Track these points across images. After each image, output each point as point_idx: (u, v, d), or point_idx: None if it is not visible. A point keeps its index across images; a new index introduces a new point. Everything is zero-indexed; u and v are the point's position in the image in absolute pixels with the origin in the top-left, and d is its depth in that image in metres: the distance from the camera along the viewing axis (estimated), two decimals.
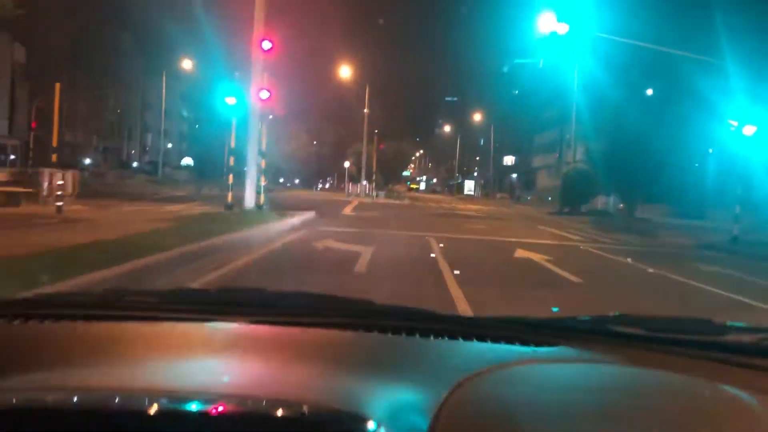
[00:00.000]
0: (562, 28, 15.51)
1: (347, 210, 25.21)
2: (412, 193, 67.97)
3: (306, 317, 1.48)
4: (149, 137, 79.25)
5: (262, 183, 18.61)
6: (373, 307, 1.57)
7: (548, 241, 15.04)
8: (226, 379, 1.09)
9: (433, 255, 10.56)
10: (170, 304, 1.58)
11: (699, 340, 1.38)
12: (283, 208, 19.14)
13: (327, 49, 44.39)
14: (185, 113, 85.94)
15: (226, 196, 16.66)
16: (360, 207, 28.86)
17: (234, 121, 16.98)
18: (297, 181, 59.83)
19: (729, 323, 1.49)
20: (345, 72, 43.06)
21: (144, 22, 59.35)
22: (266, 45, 16.78)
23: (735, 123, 15.93)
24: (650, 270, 10.38)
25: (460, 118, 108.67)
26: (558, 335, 1.40)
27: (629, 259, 11.85)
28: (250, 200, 15.25)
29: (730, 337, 1.40)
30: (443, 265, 9.13)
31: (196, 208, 18.48)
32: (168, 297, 1.68)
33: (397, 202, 39.21)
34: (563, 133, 68.17)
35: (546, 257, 11.08)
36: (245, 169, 15.27)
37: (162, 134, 58.48)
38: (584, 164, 33.51)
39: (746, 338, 1.40)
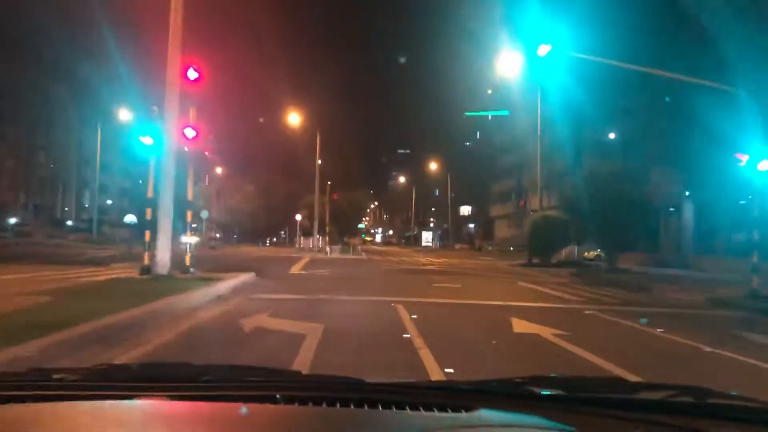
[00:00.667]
0: (544, 49, 13.03)
1: (296, 268, 21.96)
2: (369, 246, 64.85)
3: (229, 391, 1.46)
4: (86, 194, 74.50)
5: (190, 239, 15.35)
6: (298, 378, 1.58)
7: (542, 304, 12.18)
8: None
9: (406, 335, 7.53)
10: (93, 382, 1.54)
11: (612, 399, 1.41)
12: (216, 270, 15.92)
13: (276, 99, 41.78)
14: (126, 167, 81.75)
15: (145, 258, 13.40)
16: (311, 264, 25.62)
17: (152, 165, 13.82)
18: (234, 236, 55.80)
19: (640, 382, 1.74)
20: (294, 119, 40.42)
21: (78, 71, 55.84)
22: (192, 74, 13.78)
23: (744, 157, 13.53)
24: (706, 349, 7.53)
25: (415, 169, 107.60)
26: (477, 399, 1.39)
27: (659, 330, 9.01)
28: (164, 262, 11.90)
29: (642, 395, 1.44)
30: (425, 356, 6.15)
31: (107, 273, 15.04)
32: (91, 375, 1.64)
33: (354, 257, 36.02)
34: (522, 180, 66.80)
35: (555, 330, 8.22)
36: (161, 223, 12.01)
37: (97, 189, 54.11)
38: (554, 211, 31.27)
39: (655, 396, 1.40)
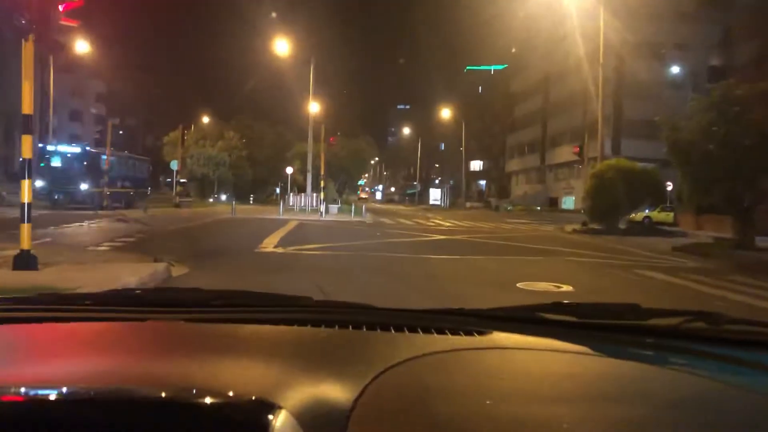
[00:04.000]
0: None
1: (271, 241, 14.23)
2: (369, 204, 56.51)
3: (239, 314, 1.49)
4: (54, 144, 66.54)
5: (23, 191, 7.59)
6: (311, 303, 1.58)
7: None
8: (147, 373, 1.06)
9: None
10: (106, 306, 1.57)
11: (625, 325, 1.42)
12: (125, 247, 8.51)
13: (268, 39, 33.24)
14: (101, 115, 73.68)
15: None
16: (297, 232, 17.95)
17: None
18: (215, 194, 46.90)
19: (654, 308, 1.45)
20: (283, 48, 32.12)
21: None
22: None
23: None
24: None
25: (418, 121, 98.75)
26: (489, 324, 1.40)
27: None
28: None
29: (654, 322, 1.42)
30: None
31: None
32: (104, 299, 1.66)
33: (356, 219, 28.25)
34: (546, 128, 58.75)
35: None
36: None
37: (50, 134, 46.05)
38: (623, 159, 23.69)
39: (669, 322, 1.40)
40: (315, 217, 28.30)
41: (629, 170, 22.06)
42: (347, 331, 1.37)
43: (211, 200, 40.74)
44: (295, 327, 1.39)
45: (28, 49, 7.15)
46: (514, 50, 63.70)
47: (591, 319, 1.44)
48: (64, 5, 7.13)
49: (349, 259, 11.35)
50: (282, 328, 1.38)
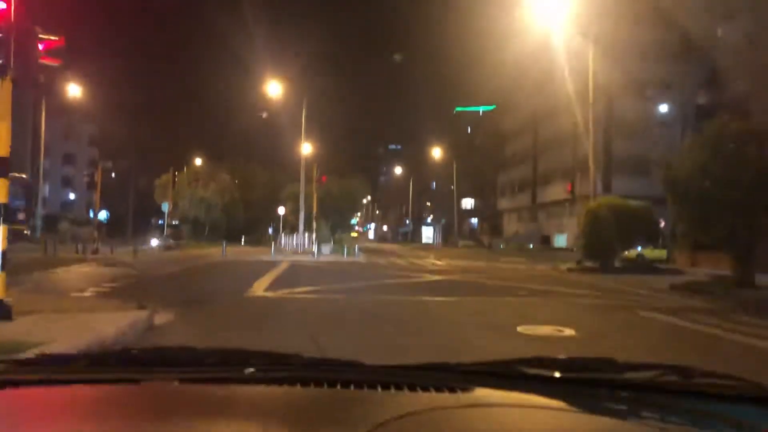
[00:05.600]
0: None
1: (261, 284, 13.83)
2: (362, 243, 56.01)
3: (231, 373, 1.49)
4: (46, 188, 66.06)
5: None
6: (300, 361, 1.59)
7: None
8: None
9: None
10: (103, 366, 1.58)
11: (602, 379, 1.45)
12: (106, 294, 8.23)
13: (259, 81, 33.51)
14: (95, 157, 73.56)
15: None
16: (288, 274, 17.54)
17: None
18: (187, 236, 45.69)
19: (629, 362, 1.49)
20: (276, 90, 32.36)
21: None
22: None
23: None
24: None
25: (410, 161, 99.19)
26: (473, 380, 1.42)
27: None
28: None
29: (630, 375, 1.44)
30: None
31: None
32: (100, 359, 1.70)
33: (349, 259, 27.83)
34: (537, 167, 58.93)
35: None
36: None
37: (41, 177, 45.63)
38: (614, 197, 23.60)
39: (643, 376, 1.42)
40: (307, 257, 27.88)
41: (623, 208, 21.92)
42: (335, 390, 1.38)
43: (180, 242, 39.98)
44: (285, 387, 1.39)
45: (5, 88, 6.91)
46: (502, 93, 64.40)
47: (570, 373, 1.47)
48: (44, 44, 6.93)
49: (342, 304, 10.97)
50: (273, 388, 1.39)
